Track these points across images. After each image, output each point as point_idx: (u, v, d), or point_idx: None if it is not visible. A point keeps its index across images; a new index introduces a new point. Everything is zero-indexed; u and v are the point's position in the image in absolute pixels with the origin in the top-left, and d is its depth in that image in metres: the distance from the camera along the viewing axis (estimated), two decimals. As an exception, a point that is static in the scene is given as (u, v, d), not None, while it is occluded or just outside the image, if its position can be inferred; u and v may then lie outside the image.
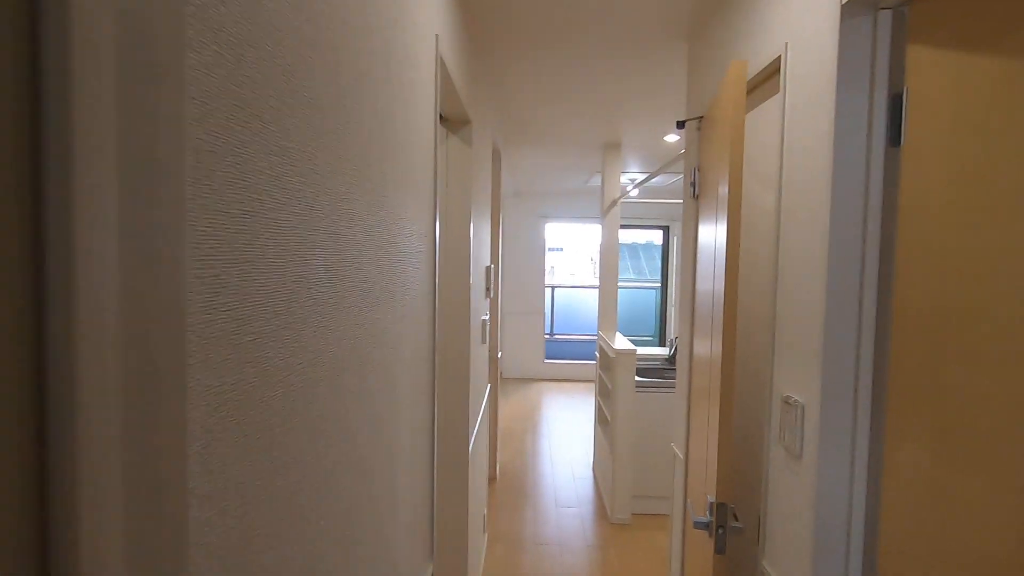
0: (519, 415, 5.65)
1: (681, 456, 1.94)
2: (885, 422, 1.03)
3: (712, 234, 1.46)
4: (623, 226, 6.99)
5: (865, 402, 1.05)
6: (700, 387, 1.60)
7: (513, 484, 3.87)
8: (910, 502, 0.99)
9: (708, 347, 1.46)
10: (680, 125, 1.85)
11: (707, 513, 1.32)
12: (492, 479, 3.89)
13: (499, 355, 3.84)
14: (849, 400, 1.06)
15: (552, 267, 10.39)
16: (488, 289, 2.72)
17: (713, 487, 1.28)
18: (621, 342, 3.52)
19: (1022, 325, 0.78)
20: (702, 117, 1.76)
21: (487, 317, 2.67)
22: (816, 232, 1.11)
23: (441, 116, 1.84)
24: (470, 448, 1.98)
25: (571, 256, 10.55)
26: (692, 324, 1.82)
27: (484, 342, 2.56)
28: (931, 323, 0.94)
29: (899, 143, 1.02)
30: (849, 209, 1.06)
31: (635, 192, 5.59)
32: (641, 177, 3.80)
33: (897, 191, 1.03)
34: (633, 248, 11.16)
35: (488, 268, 2.70)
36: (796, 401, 1.15)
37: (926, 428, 0.95)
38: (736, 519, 1.29)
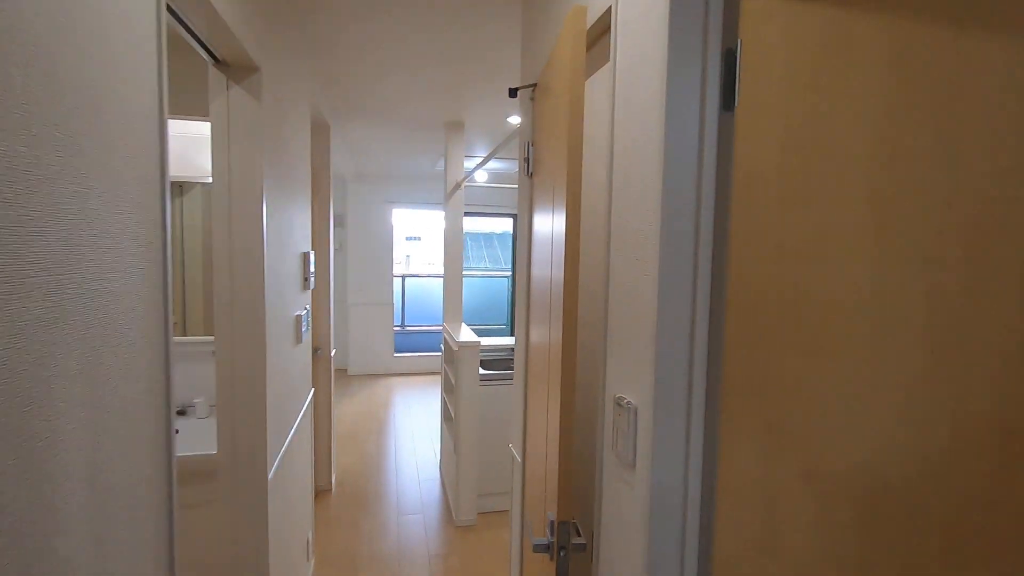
0: (364, 415, 5.25)
1: (519, 460, 1.77)
2: (719, 423, 0.92)
3: (548, 214, 1.28)
4: (471, 213, 6.84)
5: (699, 401, 0.93)
6: (536, 382, 1.42)
7: (352, 494, 3.51)
8: (743, 509, 0.88)
9: (545, 339, 1.29)
10: (512, 94, 1.66)
11: (547, 533, 1.14)
12: (327, 491, 3.49)
13: (332, 352, 3.44)
14: (683, 400, 0.93)
15: (408, 256, 9.96)
16: (307, 279, 2.34)
17: (554, 503, 1.10)
18: (466, 334, 3.32)
19: (854, 310, 0.68)
20: (536, 84, 1.58)
21: (306, 311, 2.29)
22: (648, 212, 0.96)
23: (216, 58, 1.44)
24: (271, 474, 1.62)
25: (429, 246, 10.23)
26: (528, 313, 1.65)
27: (301, 341, 2.18)
28: (764, 310, 0.83)
29: (732, 106, 0.90)
30: (681, 186, 0.92)
31: (484, 177, 5.44)
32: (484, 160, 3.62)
33: (731, 163, 0.91)
34: (489, 237, 11.14)
35: (306, 255, 2.32)
36: (629, 403, 1.00)
37: (757, 428, 0.84)
38: (579, 534, 1.13)
